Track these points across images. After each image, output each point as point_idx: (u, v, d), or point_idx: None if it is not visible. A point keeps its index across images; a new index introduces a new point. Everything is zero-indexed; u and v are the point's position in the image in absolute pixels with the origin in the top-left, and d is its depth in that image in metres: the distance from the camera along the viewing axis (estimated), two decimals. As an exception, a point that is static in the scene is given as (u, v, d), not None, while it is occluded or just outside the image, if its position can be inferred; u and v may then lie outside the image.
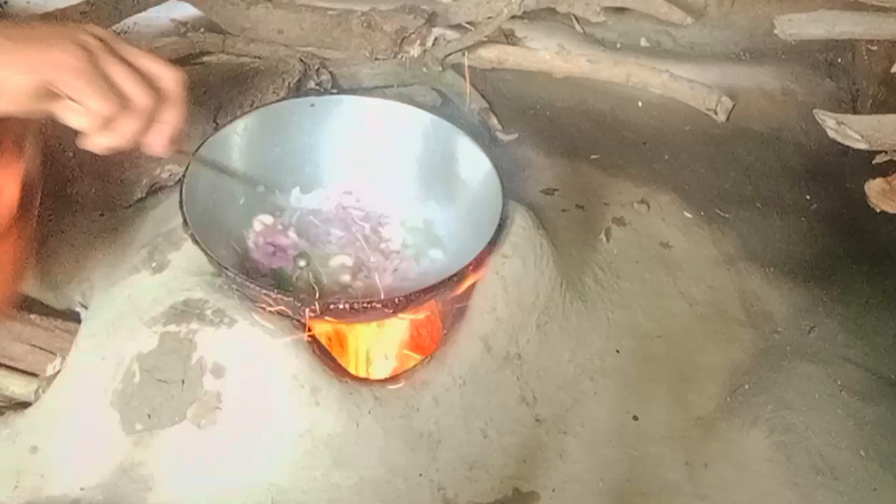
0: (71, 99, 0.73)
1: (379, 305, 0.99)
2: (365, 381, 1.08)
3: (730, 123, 1.63)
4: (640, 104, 1.68)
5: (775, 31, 1.41)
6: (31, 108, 0.73)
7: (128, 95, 0.76)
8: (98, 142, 0.77)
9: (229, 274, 0.98)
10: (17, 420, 1.05)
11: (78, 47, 0.73)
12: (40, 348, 1.15)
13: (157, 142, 0.81)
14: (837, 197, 1.57)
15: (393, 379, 1.10)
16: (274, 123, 1.19)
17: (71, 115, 0.75)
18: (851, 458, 1.11)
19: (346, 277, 1.13)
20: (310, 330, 1.04)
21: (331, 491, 1.00)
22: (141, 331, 1.03)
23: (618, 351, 1.21)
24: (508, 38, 1.71)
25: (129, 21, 1.66)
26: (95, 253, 1.22)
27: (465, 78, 1.51)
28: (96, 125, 0.75)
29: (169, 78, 0.80)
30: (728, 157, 1.61)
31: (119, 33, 1.68)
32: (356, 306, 0.99)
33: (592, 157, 1.53)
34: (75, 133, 0.76)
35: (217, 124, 1.27)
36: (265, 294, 0.98)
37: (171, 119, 0.81)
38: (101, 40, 0.75)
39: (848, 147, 1.28)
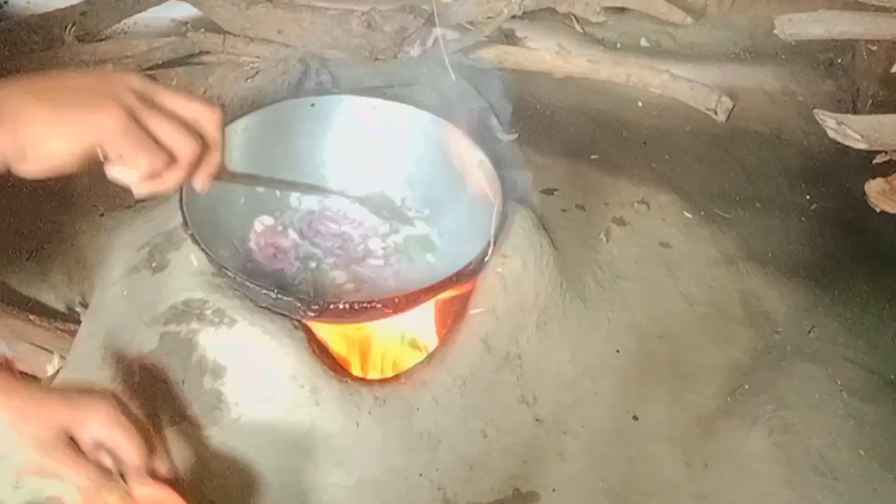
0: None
1: (379, 305, 0.99)
2: (365, 381, 1.08)
3: (730, 123, 1.63)
4: (640, 104, 1.68)
5: (775, 31, 1.41)
6: (77, 167, 0.73)
7: (173, 149, 0.76)
8: (145, 190, 0.77)
9: (229, 274, 0.98)
10: (17, 420, 1.04)
11: (119, 106, 0.72)
12: (41, 348, 1.15)
13: (200, 181, 0.81)
14: (837, 197, 1.57)
15: (393, 379, 1.10)
16: (274, 123, 1.19)
17: (118, 173, 0.75)
18: (851, 458, 1.11)
19: (344, 278, 1.13)
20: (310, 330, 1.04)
21: (330, 491, 1.00)
22: (141, 331, 1.03)
23: (618, 351, 1.21)
24: (508, 38, 1.72)
25: (129, 21, 1.66)
26: (95, 253, 1.22)
27: (464, 78, 1.51)
28: (144, 179, 0.75)
29: (208, 119, 0.79)
30: (728, 157, 1.61)
31: (119, 33, 1.68)
32: (356, 306, 0.99)
33: (592, 157, 1.53)
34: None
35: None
36: (265, 294, 0.98)
37: (213, 160, 0.81)
38: (139, 93, 0.75)
39: (848, 147, 1.28)
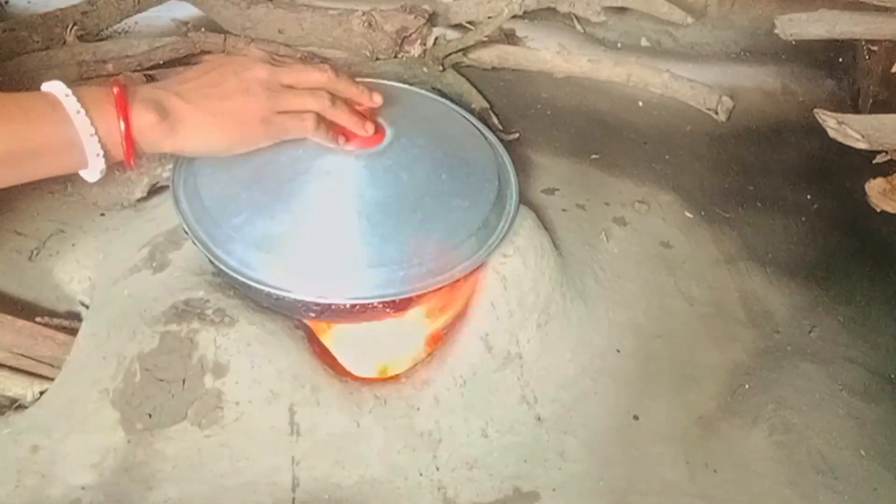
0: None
1: (379, 305, 0.99)
2: (365, 380, 1.08)
3: (730, 123, 1.63)
4: (640, 104, 1.68)
5: (776, 31, 1.41)
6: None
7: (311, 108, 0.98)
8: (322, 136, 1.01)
9: (230, 273, 0.98)
10: (17, 419, 1.04)
11: (264, 91, 0.94)
12: (40, 350, 1.15)
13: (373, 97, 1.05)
14: (838, 197, 1.57)
15: (393, 378, 1.10)
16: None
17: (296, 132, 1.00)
18: (852, 457, 1.11)
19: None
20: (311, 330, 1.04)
21: (331, 491, 1.00)
22: (142, 330, 1.03)
23: (618, 350, 1.21)
24: (509, 38, 1.71)
25: (129, 21, 1.66)
26: (95, 253, 1.22)
27: (465, 78, 1.51)
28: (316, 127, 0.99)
29: (326, 73, 1.00)
30: (729, 156, 1.61)
31: (120, 33, 1.68)
32: (357, 307, 0.99)
33: (593, 156, 1.53)
34: None
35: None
36: (267, 293, 0.98)
37: (354, 90, 1.03)
38: (269, 81, 0.95)
39: (848, 147, 1.28)
